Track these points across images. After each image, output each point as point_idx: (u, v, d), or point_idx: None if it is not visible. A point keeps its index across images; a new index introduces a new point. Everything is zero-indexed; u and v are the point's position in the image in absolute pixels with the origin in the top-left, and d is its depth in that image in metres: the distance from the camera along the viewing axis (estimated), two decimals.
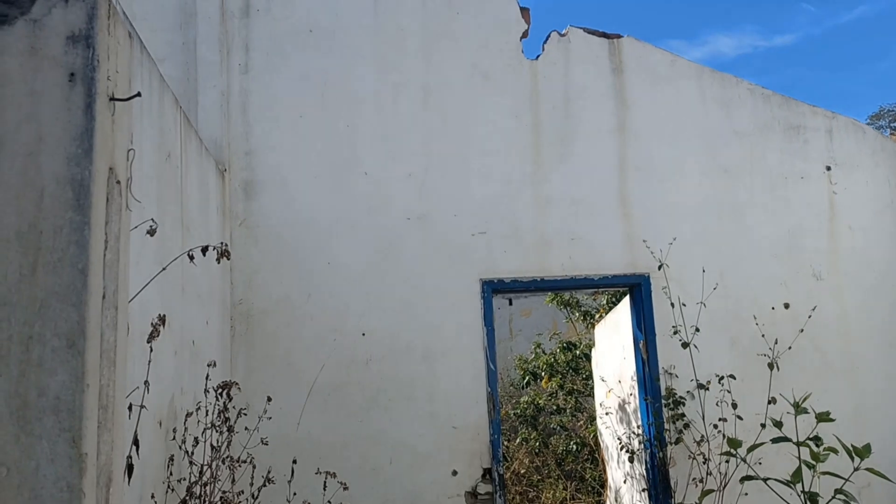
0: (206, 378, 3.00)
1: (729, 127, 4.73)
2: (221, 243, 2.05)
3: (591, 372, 7.03)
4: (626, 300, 4.91)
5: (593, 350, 6.62)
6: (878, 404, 4.51)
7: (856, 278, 4.64)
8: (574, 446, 6.90)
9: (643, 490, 4.48)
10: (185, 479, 2.71)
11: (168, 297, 2.95)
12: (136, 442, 1.78)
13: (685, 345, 4.26)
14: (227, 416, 2.82)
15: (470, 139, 4.61)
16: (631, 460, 4.67)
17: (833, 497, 2.59)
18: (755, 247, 4.60)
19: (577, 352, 7.30)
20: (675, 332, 4.32)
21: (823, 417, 2.73)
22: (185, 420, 2.99)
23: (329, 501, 3.40)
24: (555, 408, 7.34)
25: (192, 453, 2.89)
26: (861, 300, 4.63)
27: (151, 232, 1.71)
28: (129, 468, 1.70)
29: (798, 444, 2.73)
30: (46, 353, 0.76)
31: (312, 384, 4.28)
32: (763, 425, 3.83)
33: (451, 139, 4.61)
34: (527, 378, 7.80)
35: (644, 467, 4.44)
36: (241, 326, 4.35)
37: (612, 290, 7.37)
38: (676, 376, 4.42)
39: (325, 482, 3.43)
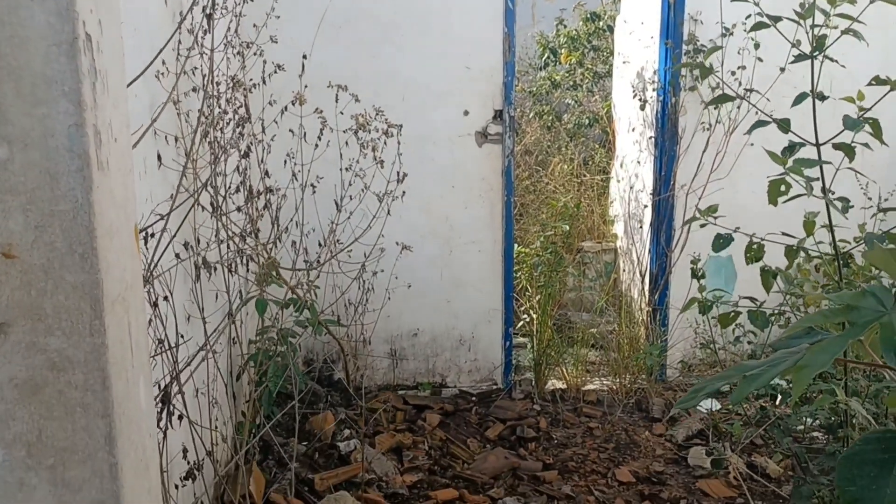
0: None
1: None
2: None
3: (611, 51, 6.80)
4: None
5: (618, 18, 6.32)
6: None
7: None
8: (587, 120, 6.93)
9: (650, 138, 4.55)
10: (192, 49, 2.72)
11: None
12: None
13: None
14: None
15: None
16: (642, 108, 4.67)
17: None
18: None
19: (601, 23, 6.99)
20: None
21: None
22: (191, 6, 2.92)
23: (341, 112, 3.48)
24: (571, 84, 7.24)
25: (202, 44, 2.86)
26: None
27: None
28: None
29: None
30: None
31: (323, 14, 4.14)
32: (782, 69, 3.72)
33: None
34: (546, 55, 7.60)
35: (654, 115, 4.45)
36: None
37: None
38: (702, 23, 4.22)
39: (336, 95, 3.47)
